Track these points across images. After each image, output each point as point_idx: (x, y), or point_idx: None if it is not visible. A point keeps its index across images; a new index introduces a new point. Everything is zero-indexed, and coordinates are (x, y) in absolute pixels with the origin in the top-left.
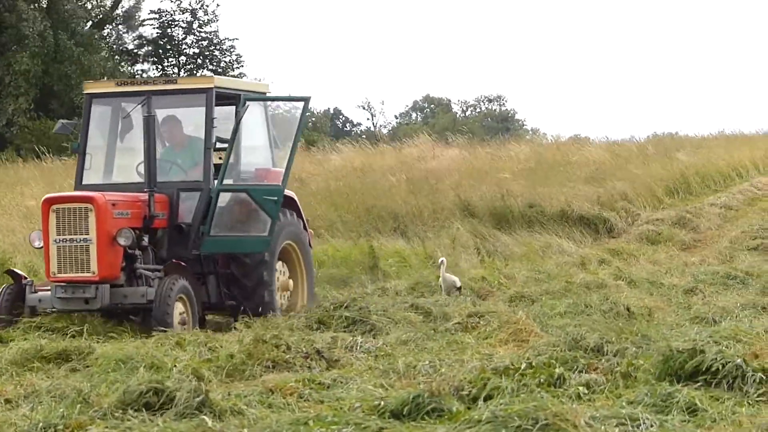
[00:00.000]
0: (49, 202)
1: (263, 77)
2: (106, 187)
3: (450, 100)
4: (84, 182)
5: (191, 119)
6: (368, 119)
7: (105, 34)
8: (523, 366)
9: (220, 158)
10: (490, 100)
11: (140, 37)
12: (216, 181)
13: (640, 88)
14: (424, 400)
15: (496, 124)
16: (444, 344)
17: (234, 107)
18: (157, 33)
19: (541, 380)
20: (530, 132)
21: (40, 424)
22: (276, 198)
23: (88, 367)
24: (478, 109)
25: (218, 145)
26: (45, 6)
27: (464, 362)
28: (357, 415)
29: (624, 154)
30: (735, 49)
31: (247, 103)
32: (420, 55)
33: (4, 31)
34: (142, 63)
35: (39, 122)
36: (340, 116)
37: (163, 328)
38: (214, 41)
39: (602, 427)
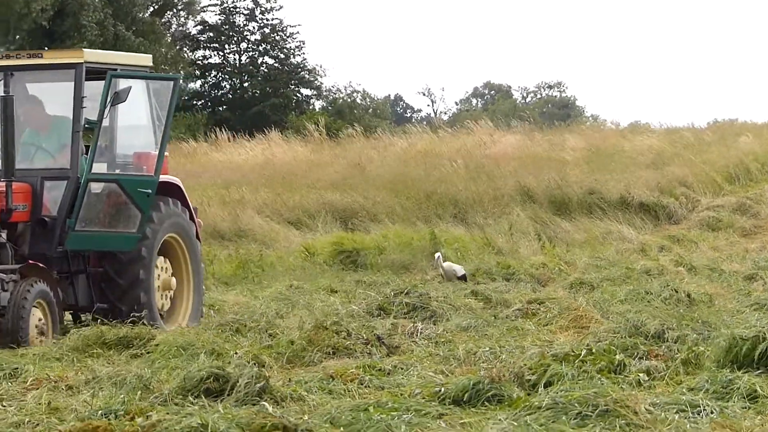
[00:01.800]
0: None
1: (323, 63)
2: None
3: (510, 87)
4: None
5: (59, 97)
6: (429, 105)
7: (165, 21)
8: (584, 352)
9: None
10: (550, 87)
11: (203, 22)
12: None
13: (700, 73)
14: (485, 387)
15: (557, 110)
16: (504, 331)
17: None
18: (219, 19)
19: (602, 367)
20: (590, 118)
21: (101, 410)
22: (149, 191)
23: (148, 353)
24: (538, 96)
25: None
26: None
27: (524, 349)
28: (417, 401)
29: (683, 140)
30: None
31: (113, 80)
32: (480, 41)
33: (65, 19)
34: (204, 49)
35: None
36: (401, 102)
37: (15, 341)
38: (277, 28)
39: (662, 414)
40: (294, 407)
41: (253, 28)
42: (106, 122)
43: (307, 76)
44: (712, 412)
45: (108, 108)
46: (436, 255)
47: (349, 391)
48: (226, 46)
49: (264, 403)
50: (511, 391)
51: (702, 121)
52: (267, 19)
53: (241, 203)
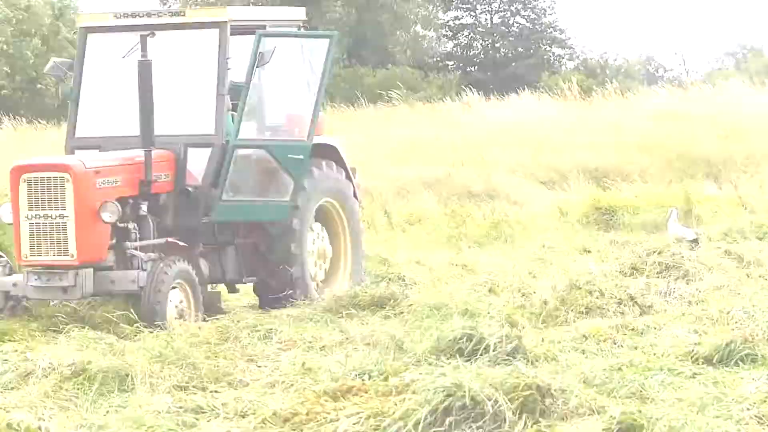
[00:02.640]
0: (19, 171)
1: (574, 24)
2: (104, 141)
3: (762, 47)
4: (77, 135)
5: (207, 56)
6: (680, 65)
7: None
8: None
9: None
10: None
11: None
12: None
13: None
14: (737, 347)
15: None
16: (758, 290)
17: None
18: None
19: None
20: None
21: (355, 371)
22: (301, 156)
23: (401, 314)
24: None
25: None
26: None
27: None
28: (670, 360)
29: None
30: None
31: (263, 39)
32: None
33: None
34: (456, 9)
35: (352, 69)
36: (652, 62)
37: (151, 323)
38: None
39: None
40: (548, 367)
41: None
42: (255, 82)
43: (558, 35)
44: None
45: (253, 70)
46: (670, 209)
47: (602, 351)
48: (478, 6)
49: (517, 363)
50: (764, 350)
51: None
52: None
53: (493, 163)
